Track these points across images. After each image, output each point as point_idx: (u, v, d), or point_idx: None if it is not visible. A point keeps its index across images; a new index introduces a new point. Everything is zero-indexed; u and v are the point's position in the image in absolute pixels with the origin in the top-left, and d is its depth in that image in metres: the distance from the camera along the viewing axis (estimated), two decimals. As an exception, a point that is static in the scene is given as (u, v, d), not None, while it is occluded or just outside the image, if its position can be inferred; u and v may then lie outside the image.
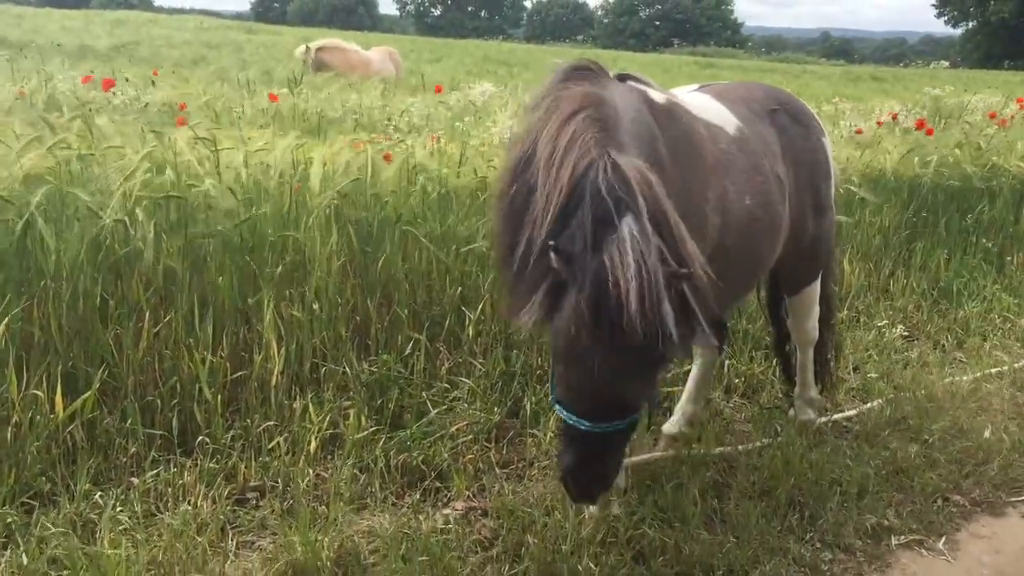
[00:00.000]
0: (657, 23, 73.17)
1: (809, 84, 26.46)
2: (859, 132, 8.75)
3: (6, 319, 3.32)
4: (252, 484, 3.45)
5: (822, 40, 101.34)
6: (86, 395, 3.34)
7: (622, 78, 3.16)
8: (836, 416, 4.58)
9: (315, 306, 4.12)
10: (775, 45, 78.36)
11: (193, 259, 3.96)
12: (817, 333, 4.35)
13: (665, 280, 2.35)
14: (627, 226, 2.36)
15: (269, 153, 4.54)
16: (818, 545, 3.46)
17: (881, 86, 27.36)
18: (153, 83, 8.54)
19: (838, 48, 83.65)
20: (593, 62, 3.03)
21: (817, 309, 4.30)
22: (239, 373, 3.81)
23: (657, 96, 3.11)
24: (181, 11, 75.91)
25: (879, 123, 9.54)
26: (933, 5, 66.49)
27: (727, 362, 4.95)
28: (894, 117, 9.99)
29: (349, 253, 4.43)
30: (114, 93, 7.03)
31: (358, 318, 4.37)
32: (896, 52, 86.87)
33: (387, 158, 4.91)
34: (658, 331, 2.32)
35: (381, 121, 8.13)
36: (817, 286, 4.22)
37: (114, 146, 4.07)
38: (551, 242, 2.43)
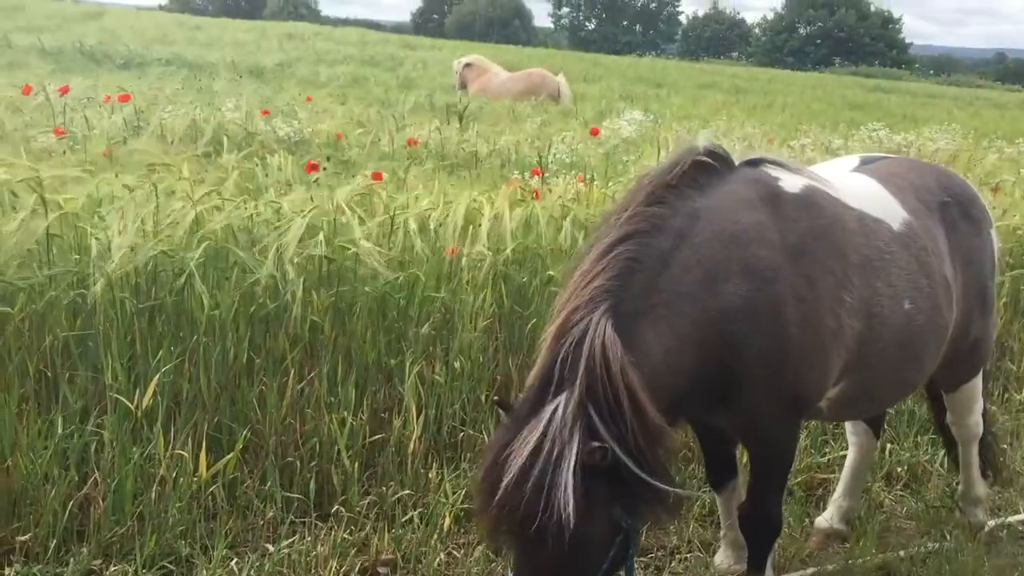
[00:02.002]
0: (818, 41, 70.56)
1: (980, 113, 24.83)
2: None
3: (158, 374, 3.39)
4: (384, 557, 3.39)
5: (996, 61, 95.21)
6: (229, 456, 3.36)
7: (755, 162, 2.91)
8: (1011, 519, 4.14)
9: (457, 364, 4.06)
10: (944, 65, 74.08)
11: (340, 316, 3.96)
12: (980, 428, 3.93)
13: (579, 459, 2.18)
14: (555, 404, 2.27)
15: (427, 210, 4.50)
16: None
17: (1065, 119, 25.35)
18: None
19: (1014, 71, 78.34)
20: (715, 149, 2.79)
21: (979, 404, 3.89)
22: (377, 436, 3.77)
23: (791, 184, 2.83)
24: (345, 22, 79.19)
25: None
26: None
27: (888, 446, 4.57)
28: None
29: (499, 312, 4.35)
30: (275, 128, 7.23)
31: (499, 377, 4.28)
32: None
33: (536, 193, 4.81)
34: (547, 518, 2.14)
35: (532, 157, 8.04)
36: (978, 380, 3.81)
37: (273, 201, 4.11)
38: (495, 396, 2.70)
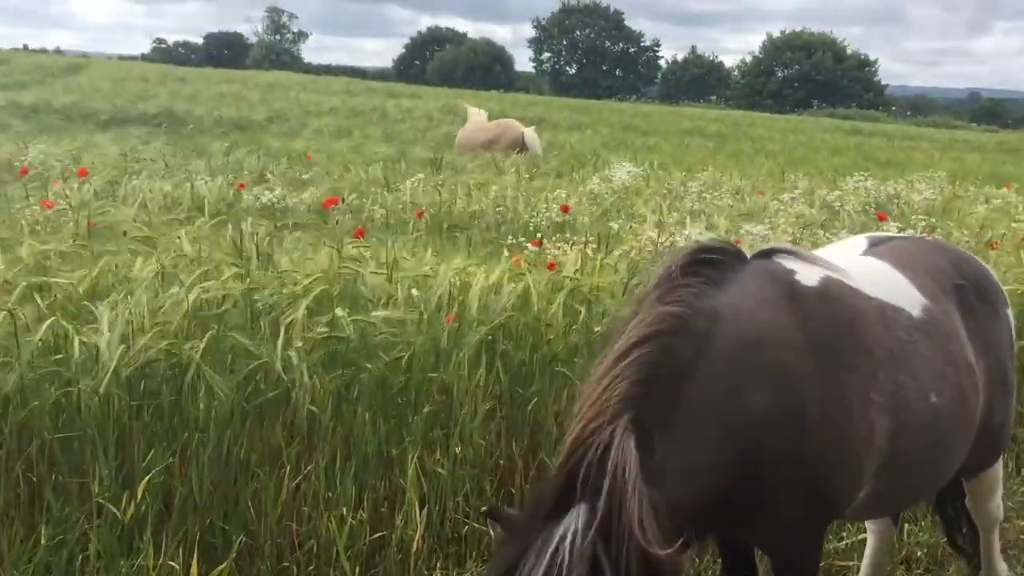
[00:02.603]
0: (795, 84, 71.51)
1: (961, 157, 25.02)
2: None
3: (149, 475, 3.22)
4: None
5: (971, 101, 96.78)
6: (222, 567, 3.17)
7: (767, 254, 2.78)
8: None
9: (458, 450, 3.90)
10: (920, 106, 75.11)
11: (337, 403, 3.80)
12: (1001, 512, 3.78)
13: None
14: (564, 528, 2.10)
15: (422, 279, 4.36)
16: None
17: (1044, 161, 25.64)
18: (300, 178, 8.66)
19: (988, 110, 79.54)
20: (725, 245, 2.67)
21: (1000, 487, 3.75)
22: (378, 534, 3.59)
23: (808, 277, 2.68)
24: (328, 69, 79.66)
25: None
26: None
27: (906, 527, 4.42)
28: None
29: (498, 392, 4.20)
30: (257, 197, 7.09)
31: (502, 462, 4.12)
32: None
33: (551, 265, 4.68)
34: None
35: (523, 217, 7.94)
36: (999, 465, 3.66)
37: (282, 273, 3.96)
38: (484, 507, 2.52)
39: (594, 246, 6.13)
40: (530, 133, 15.83)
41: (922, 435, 2.80)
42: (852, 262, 3.07)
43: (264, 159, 10.09)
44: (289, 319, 3.59)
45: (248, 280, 3.80)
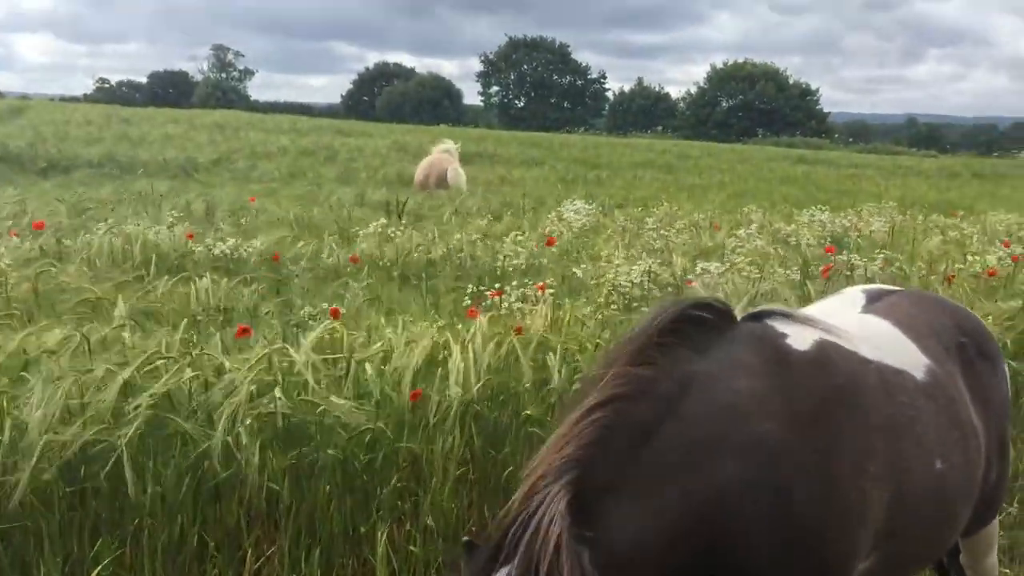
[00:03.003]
0: (740, 114, 72.85)
1: (907, 183, 25.60)
2: (992, 274, 7.75)
3: (98, 567, 2.98)
4: None
5: (908, 126, 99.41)
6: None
7: (758, 316, 2.65)
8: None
9: (429, 520, 3.72)
10: (860, 133, 76.97)
11: (300, 479, 3.59)
12: (996, 570, 3.70)
13: None
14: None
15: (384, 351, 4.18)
16: None
17: (983, 186, 26.29)
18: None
19: (925, 135, 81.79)
20: (711, 303, 2.51)
21: (996, 544, 3.66)
22: (347, 619, 3.39)
23: (800, 341, 2.54)
24: (275, 106, 79.12)
25: (1015, 258, 8.52)
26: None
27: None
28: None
29: (469, 456, 4.03)
30: (209, 247, 6.85)
31: (475, 529, 3.94)
32: (986, 139, 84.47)
33: (518, 330, 4.53)
34: None
35: (484, 262, 7.81)
36: (996, 522, 3.58)
37: (211, 356, 3.75)
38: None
39: (558, 297, 6.03)
40: (452, 170, 15.66)
41: (927, 503, 2.67)
42: (851, 321, 2.95)
43: (212, 205, 9.82)
44: (233, 404, 3.38)
45: (191, 365, 3.59)
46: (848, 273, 7.33)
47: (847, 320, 2.93)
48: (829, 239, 9.86)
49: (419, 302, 6.28)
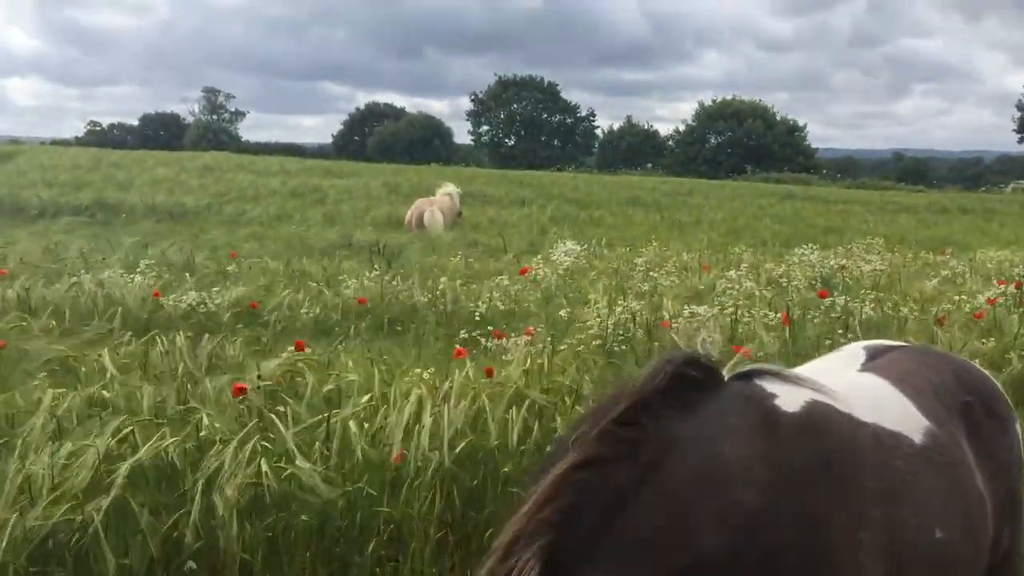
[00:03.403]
0: (729, 150, 73.29)
1: (896, 219, 25.64)
2: (979, 317, 7.59)
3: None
4: None
5: (895, 161, 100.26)
6: None
7: (748, 375, 2.53)
8: None
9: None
10: (848, 168, 77.51)
11: (275, 547, 3.45)
12: None
13: None
14: None
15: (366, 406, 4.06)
16: None
17: (973, 221, 26.38)
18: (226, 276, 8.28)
19: (912, 169, 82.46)
20: (698, 361, 2.39)
21: None
22: None
23: (790, 401, 2.42)
24: (267, 147, 79.36)
25: (990, 301, 8.22)
26: (1014, 131, 65.73)
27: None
28: (1019, 286, 9.08)
29: (450, 518, 3.88)
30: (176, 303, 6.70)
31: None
32: (973, 173, 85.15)
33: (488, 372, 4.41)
34: None
35: (467, 307, 7.70)
36: None
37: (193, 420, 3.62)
38: None
39: (540, 342, 5.93)
40: (428, 212, 15.79)
41: (926, 574, 2.55)
42: (848, 380, 2.84)
43: (193, 253, 9.71)
44: (209, 472, 3.25)
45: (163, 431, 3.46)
46: (838, 316, 7.26)
47: (843, 379, 2.82)
48: (820, 280, 9.79)
49: (404, 350, 6.16)
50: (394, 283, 8.14)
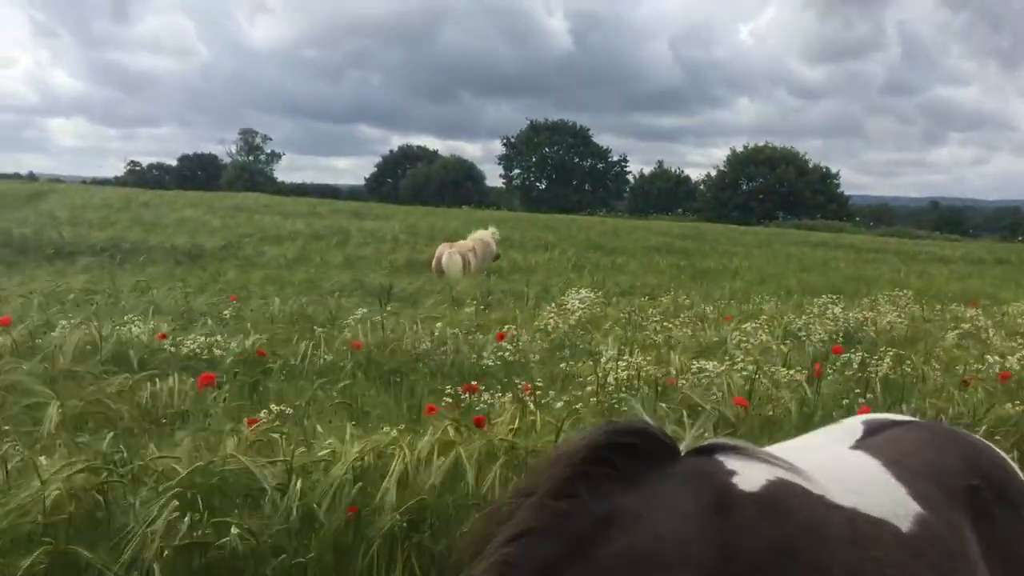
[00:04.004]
0: (761, 196, 72.86)
1: (929, 270, 25.05)
2: (1005, 378, 7.18)
3: None
4: None
5: (931, 210, 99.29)
6: None
7: (707, 450, 2.25)
8: None
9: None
10: (882, 216, 76.79)
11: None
12: None
13: None
14: None
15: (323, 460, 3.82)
16: None
17: (1008, 272, 25.74)
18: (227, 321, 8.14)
19: (948, 218, 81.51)
20: (648, 431, 2.14)
21: None
22: None
23: (750, 479, 2.16)
24: (301, 187, 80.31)
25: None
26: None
27: None
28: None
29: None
30: (183, 344, 6.57)
31: None
32: (1011, 221, 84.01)
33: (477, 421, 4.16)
34: None
35: (470, 357, 7.47)
36: None
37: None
38: None
39: (543, 395, 5.68)
40: (446, 256, 15.71)
41: None
42: (834, 458, 2.54)
43: (196, 295, 9.60)
44: (148, 526, 3.03)
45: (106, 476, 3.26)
46: (854, 373, 6.93)
47: (828, 457, 2.53)
48: (841, 335, 9.44)
49: (393, 404, 5.94)
50: (391, 332, 7.93)
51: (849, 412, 5.74)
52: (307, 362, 6.82)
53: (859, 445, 2.72)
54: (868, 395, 6.25)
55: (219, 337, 6.88)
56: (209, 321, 8.20)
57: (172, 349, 6.52)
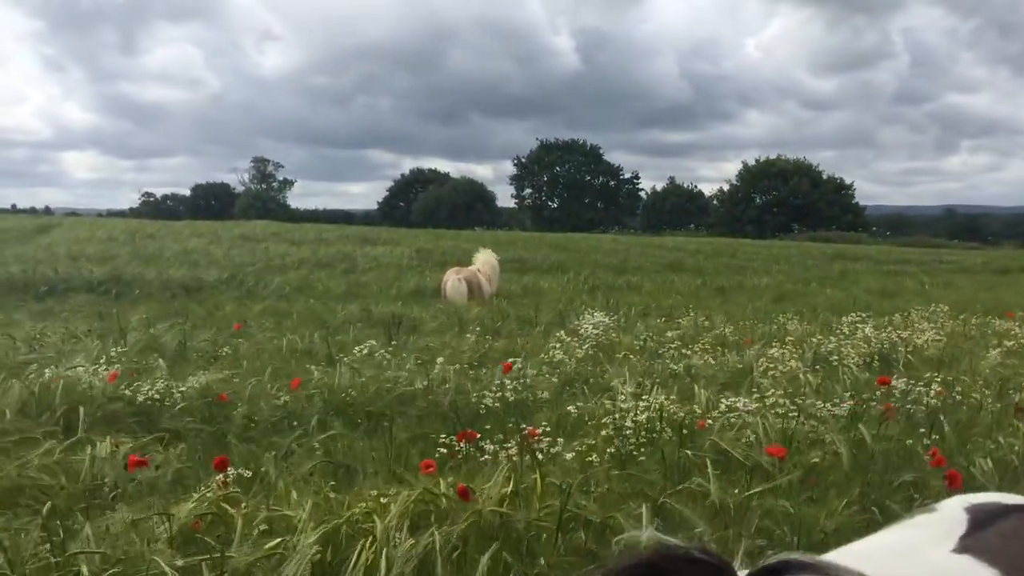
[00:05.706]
0: (775, 209, 71.96)
1: (953, 282, 24.17)
2: None
3: None
4: None
5: (947, 217, 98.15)
6: None
7: (774, 571, 1.61)
8: None
9: None
10: (898, 225, 75.69)
11: None
12: None
13: None
14: None
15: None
16: None
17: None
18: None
19: (964, 226, 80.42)
20: (705, 558, 1.53)
21: None
22: None
23: None
24: (314, 213, 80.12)
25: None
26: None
27: None
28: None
29: None
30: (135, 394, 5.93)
31: None
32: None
33: (461, 492, 3.48)
34: None
35: (471, 396, 6.79)
36: None
37: None
38: None
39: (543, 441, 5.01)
40: (450, 283, 15.01)
41: None
42: (935, 568, 1.86)
43: (186, 333, 8.98)
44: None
45: None
46: (905, 406, 6.19)
47: (923, 565, 1.84)
48: (876, 357, 8.70)
49: (380, 454, 5.27)
50: (387, 371, 7.27)
51: (914, 457, 5.01)
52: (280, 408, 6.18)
53: (966, 545, 1.97)
54: (921, 431, 5.51)
55: (174, 381, 6.23)
56: (195, 355, 7.60)
57: (128, 393, 5.89)
